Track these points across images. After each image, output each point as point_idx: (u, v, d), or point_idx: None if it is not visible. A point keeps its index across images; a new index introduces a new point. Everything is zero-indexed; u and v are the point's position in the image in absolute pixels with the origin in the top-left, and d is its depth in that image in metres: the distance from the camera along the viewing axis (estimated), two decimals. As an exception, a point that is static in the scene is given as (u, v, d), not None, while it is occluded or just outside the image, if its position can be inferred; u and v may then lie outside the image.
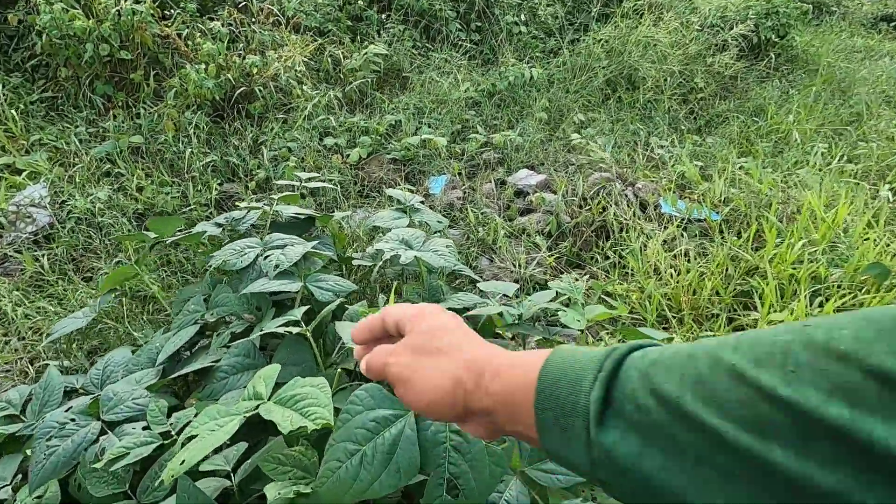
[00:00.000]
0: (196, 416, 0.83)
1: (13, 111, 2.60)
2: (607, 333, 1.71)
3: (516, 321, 1.18)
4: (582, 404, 0.33)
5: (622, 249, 2.18)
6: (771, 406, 0.25)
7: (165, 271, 1.95)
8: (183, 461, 0.68)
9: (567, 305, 1.17)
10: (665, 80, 3.64)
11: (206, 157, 2.56)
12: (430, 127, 3.00)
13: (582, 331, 1.09)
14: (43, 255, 1.99)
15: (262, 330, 1.03)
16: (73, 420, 0.91)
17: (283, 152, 2.66)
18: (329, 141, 2.78)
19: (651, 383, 0.30)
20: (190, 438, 0.73)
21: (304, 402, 0.74)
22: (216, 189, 2.43)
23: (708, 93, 3.74)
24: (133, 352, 1.19)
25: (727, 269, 1.99)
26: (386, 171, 2.65)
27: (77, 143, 2.52)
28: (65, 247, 2.06)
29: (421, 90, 3.30)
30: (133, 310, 1.65)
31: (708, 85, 3.78)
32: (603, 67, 3.62)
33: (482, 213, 2.35)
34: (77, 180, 2.34)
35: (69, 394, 1.17)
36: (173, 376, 1.08)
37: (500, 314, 1.55)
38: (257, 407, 0.76)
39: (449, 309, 1.56)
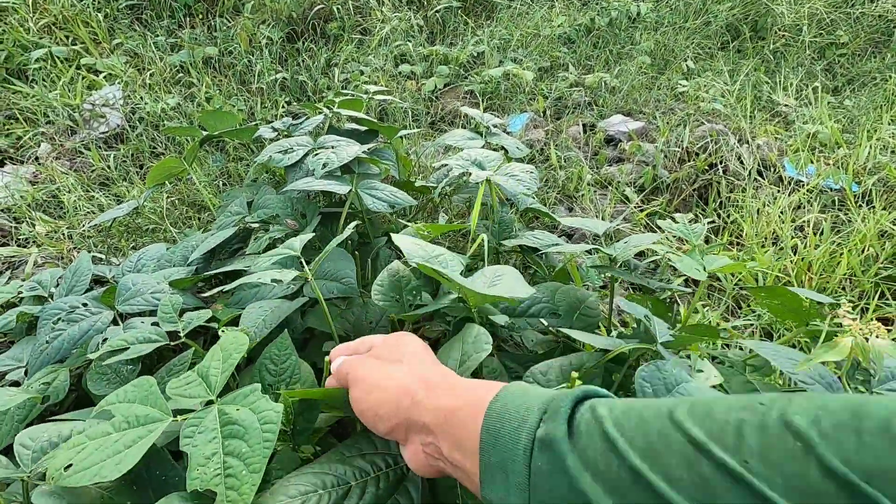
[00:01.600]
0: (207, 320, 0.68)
1: (99, 14, 2.59)
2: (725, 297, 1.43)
3: (608, 262, 0.94)
4: (524, 441, 0.31)
5: (732, 211, 1.84)
6: (726, 489, 0.23)
7: (224, 182, 1.87)
8: (70, 465, 0.50)
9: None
10: (801, 27, 3.06)
11: (277, 74, 2.43)
12: (514, 62, 2.70)
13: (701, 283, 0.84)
14: (111, 156, 1.97)
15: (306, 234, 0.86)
16: (84, 305, 0.80)
17: (354, 75, 2.49)
18: (405, 68, 2.57)
19: (604, 436, 0.28)
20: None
21: (235, 443, 0.49)
22: (283, 106, 2.31)
23: (853, 48, 3.11)
24: (168, 249, 1.08)
25: (866, 249, 1.61)
26: (462, 104, 2.41)
27: (154, 50, 2.47)
28: (132, 149, 2.03)
29: (509, 22, 2.97)
30: (185, 214, 1.57)
31: (855, 38, 3.14)
32: (725, 10, 3.09)
33: (565, 157, 2.07)
34: (150, 85, 2.30)
35: (102, 283, 1.09)
36: (203, 275, 0.95)
37: (579, 266, 1.31)
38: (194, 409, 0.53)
39: (521, 248, 1.32)
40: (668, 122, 2.28)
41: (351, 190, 0.95)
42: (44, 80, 2.27)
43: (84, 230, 1.49)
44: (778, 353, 0.62)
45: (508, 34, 2.82)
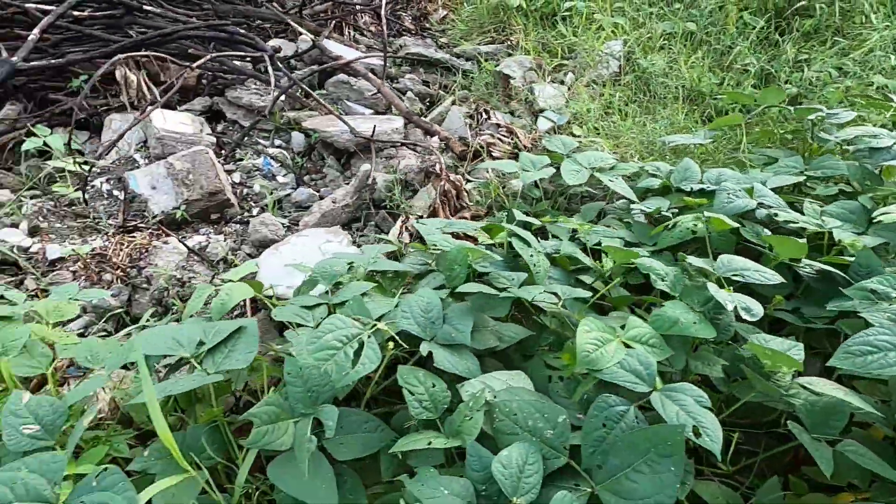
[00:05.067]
0: None
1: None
2: None
3: None
4: None
5: None
6: None
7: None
8: None
9: None
10: None
11: (746, 59, 2.74)
12: None
13: None
14: (614, 94, 2.64)
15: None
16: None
17: (825, 76, 2.62)
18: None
19: None
20: None
21: None
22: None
23: None
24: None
25: None
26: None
27: (647, 15, 3.05)
28: (619, 91, 2.67)
29: None
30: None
31: None
32: None
33: None
34: (643, 45, 2.90)
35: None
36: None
37: None
38: None
39: None
40: None
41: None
42: (567, 26, 3.08)
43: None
44: None
45: None
